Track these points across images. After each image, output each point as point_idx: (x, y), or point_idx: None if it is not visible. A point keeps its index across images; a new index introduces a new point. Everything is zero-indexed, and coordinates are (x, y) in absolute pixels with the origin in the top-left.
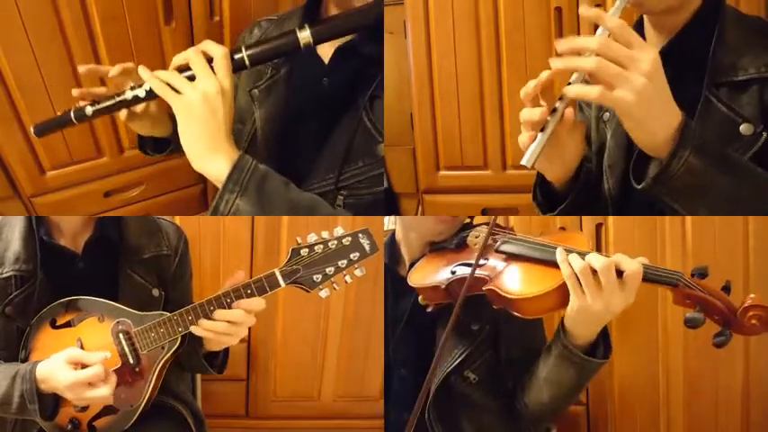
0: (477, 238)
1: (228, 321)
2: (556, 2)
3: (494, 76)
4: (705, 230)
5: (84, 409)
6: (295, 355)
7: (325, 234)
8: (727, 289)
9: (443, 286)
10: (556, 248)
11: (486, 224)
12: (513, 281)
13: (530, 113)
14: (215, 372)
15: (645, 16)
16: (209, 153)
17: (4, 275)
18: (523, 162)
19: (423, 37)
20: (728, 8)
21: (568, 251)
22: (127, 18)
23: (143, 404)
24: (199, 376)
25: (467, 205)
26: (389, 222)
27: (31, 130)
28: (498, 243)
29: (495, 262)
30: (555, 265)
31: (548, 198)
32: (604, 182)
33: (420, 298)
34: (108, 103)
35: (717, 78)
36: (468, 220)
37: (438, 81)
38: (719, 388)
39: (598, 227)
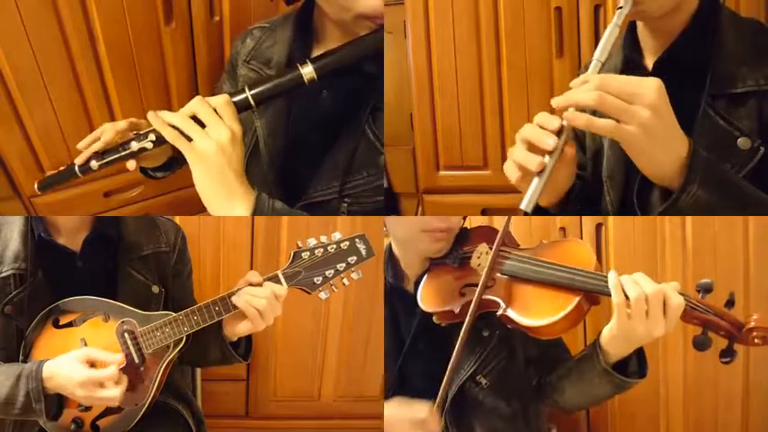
0: (479, 258)
1: (261, 297)
2: (556, 2)
3: (494, 76)
4: (705, 231)
5: (88, 408)
6: (295, 355)
7: (324, 239)
8: (731, 303)
9: (457, 311)
10: (563, 268)
11: (485, 236)
12: (526, 307)
13: (527, 160)
14: (241, 359)
15: (639, 22)
16: (226, 201)
17: (4, 274)
18: (522, 207)
19: (423, 37)
20: (725, 10)
21: (594, 276)
22: (127, 18)
23: (147, 403)
24: (199, 376)
25: (467, 205)
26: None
27: (35, 186)
28: (503, 263)
29: (502, 281)
30: (564, 287)
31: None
32: (605, 193)
33: (434, 317)
34: (114, 156)
35: (715, 90)
36: (462, 224)
37: (438, 81)
38: (719, 388)
39: (598, 227)
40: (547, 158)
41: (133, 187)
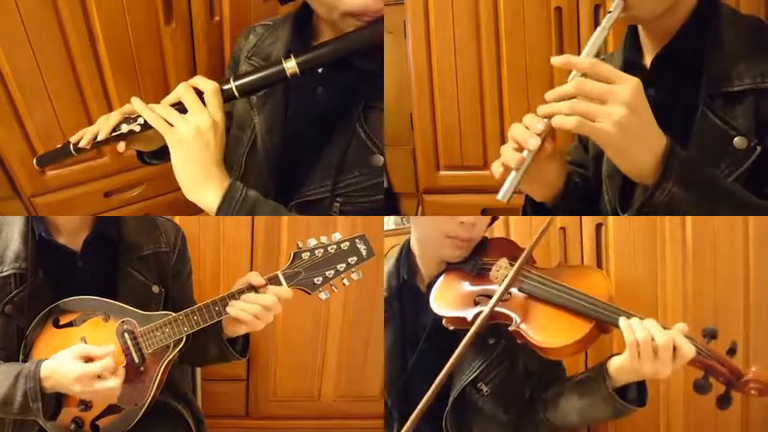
0: (498, 271)
1: (261, 305)
2: (556, 2)
3: (494, 76)
4: (705, 231)
5: (88, 408)
6: (295, 355)
7: (324, 239)
8: (732, 351)
9: (470, 319)
10: (581, 296)
11: (505, 251)
12: (540, 327)
13: (510, 156)
14: (239, 356)
15: (639, 24)
16: (201, 185)
17: (4, 274)
18: (499, 198)
19: (423, 37)
20: (724, 8)
21: (628, 314)
22: (127, 18)
23: (147, 403)
24: (199, 376)
25: (467, 205)
26: (389, 222)
27: (34, 161)
28: (522, 280)
29: (518, 297)
30: (580, 313)
31: (539, 212)
32: (604, 192)
33: (444, 321)
34: (105, 137)
35: (712, 89)
36: (484, 232)
37: (438, 81)
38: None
39: (598, 227)
40: (525, 153)
41: (133, 187)
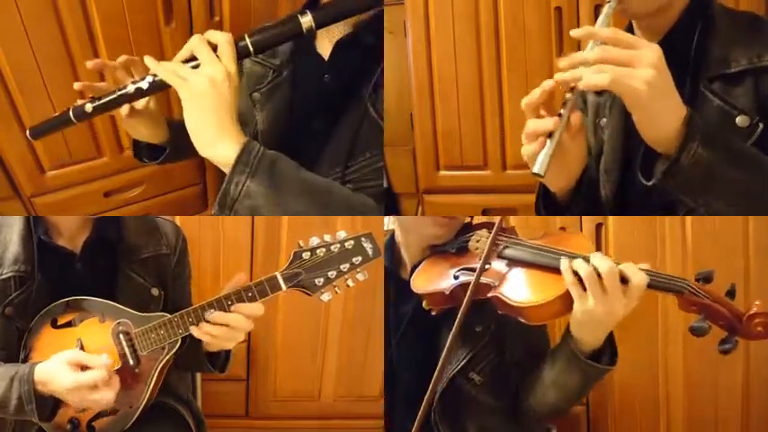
0: (478, 242)
1: (227, 325)
2: (556, 2)
3: (494, 76)
4: (705, 231)
5: (84, 408)
6: (295, 355)
7: (327, 237)
8: (731, 293)
9: (447, 292)
10: (559, 254)
11: (486, 227)
12: (518, 288)
13: (538, 124)
14: (217, 371)
15: (633, 21)
16: (217, 138)
17: (4, 276)
18: (535, 170)
19: (423, 37)
20: (717, 6)
21: (572, 256)
22: (127, 18)
23: (142, 405)
24: (199, 376)
25: (467, 205)
26: (389, 222)
27: (27, 132)
28: (501, 247)
29: (498, 267)
30: (558, 270)
31: (550, 209)
32: (601, 187)
33: (424, 303)
34: (109, 98)
35: (709, 72)
36: (467, 220)
37: (438, 81)
38: (719, 388)
39: (598, 227)
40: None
41: (133, 187)
